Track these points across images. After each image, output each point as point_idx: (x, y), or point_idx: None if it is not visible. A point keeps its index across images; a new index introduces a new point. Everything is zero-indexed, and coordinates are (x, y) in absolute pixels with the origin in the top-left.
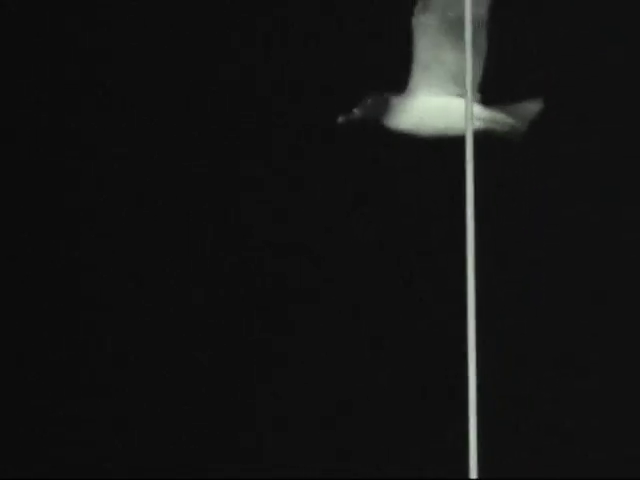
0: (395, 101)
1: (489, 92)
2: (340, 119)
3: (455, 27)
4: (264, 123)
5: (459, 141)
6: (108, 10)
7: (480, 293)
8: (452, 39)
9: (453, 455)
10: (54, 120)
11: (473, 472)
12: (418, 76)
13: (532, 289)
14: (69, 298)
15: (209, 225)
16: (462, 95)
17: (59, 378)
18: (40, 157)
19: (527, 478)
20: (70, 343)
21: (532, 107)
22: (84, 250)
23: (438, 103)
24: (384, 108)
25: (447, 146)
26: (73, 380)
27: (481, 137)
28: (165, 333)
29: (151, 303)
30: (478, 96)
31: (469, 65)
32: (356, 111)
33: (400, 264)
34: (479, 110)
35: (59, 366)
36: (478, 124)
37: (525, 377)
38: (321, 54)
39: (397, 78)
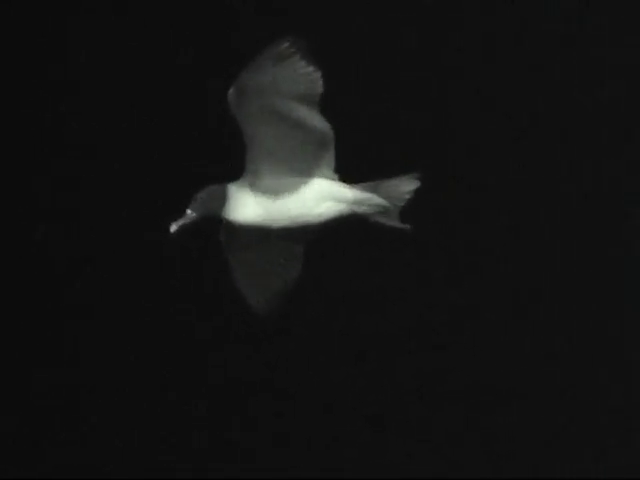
0: (233, 189)
1: (353, 171)
2: (172, 227)
3: (281, 110)
4: None
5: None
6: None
7: None
8: (281, 123)
9: None
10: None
11: None
12: (255, 162)
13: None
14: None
15: None
16: (314, 176)
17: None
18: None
19: None
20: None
21: (407, 185)
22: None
23: (290, 184)
24: (221, 200)
25: None
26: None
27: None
28: (163, 333)
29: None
30: (335, 176)
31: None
32: (189, 211)
33: None
34: (346, 191)
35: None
36: (343, 207)
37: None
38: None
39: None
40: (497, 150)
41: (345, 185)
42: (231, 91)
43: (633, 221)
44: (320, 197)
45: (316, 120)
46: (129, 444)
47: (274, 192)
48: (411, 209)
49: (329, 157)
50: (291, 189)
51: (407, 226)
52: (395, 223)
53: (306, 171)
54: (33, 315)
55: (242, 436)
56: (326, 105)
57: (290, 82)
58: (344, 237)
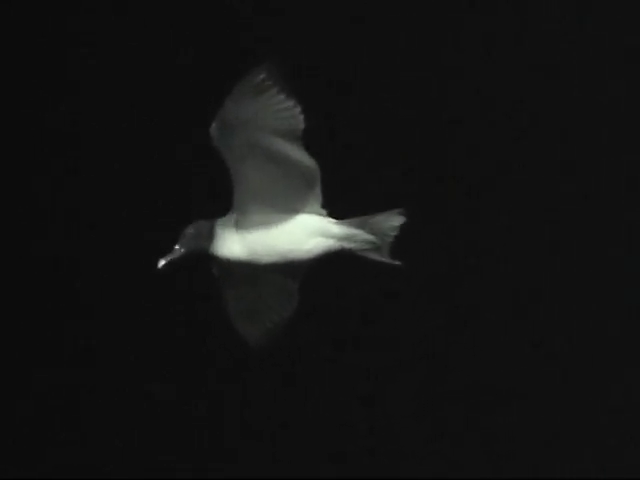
0: (220, 225)
1: (341, 207)
2: (160, 263)
3: (264, 144)
4: None
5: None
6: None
7: None
8: (264, 157)
9: None
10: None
11: None
12: (241, 197)
13: None
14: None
15: None
16: (303, 212)
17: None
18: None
19: None
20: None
21: (393, 221)
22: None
23: (277, 220)
24: (209, 235)
25: None
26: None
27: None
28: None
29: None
30: (324, 212)
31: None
32: (177, 247)
33: None
34: (333, 227)
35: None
36: (332, 243)
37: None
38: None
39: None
40: (486, 184)
41: (333, 221)
42: (213, 126)
43: (633, 221)
44: (308, 233)
45: (300, 155)
46: (128, 445)
47: (261, 229)
48: (401, 243)
49: (316, 193)
50: (278, 225)
51: (397, 262)
52: (385, 259)
53: (293, 207)
54: (30, 316)
55: (241, 437)
56: (312, 139)
57: (271, 117)
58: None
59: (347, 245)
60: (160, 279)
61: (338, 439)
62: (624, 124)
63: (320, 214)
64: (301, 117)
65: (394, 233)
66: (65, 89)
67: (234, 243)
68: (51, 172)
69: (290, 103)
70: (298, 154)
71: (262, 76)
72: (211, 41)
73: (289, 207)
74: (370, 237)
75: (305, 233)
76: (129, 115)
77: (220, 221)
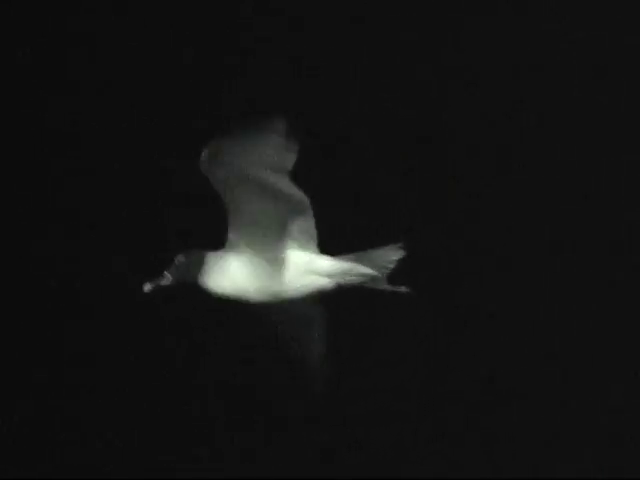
0: (212, 258)
1: (333, 243)
2: (147, 287)
3: (253, 177)
4: None
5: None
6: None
7: None
8: (254, 190)
9: None
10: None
11: None
12: (233, 231)
13: None
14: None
15: None
16: (296, 249)
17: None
18: None
19: None
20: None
21: (391, 254)
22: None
23: (269, 258)
24: (200, 267)
25: None
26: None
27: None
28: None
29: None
30: (316, 249)
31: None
32: (167, 273)
33: None
34: (326, 263)
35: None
36: (326, 281)
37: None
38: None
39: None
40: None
41: (327, 257)
42: (202, 156)
43: (633, 221)
44: (300, 271)
45: (290, 189)
46: (128, 446)
47: (252, 266)
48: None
49: (310, 229)
50: (270, 263)
51: (404, 288)
52: (391, 287)
53: (286, 243)
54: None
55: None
56: (305, 176)
57: (262, 153)
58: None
59: (343, 281)
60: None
61: (338, 439)
62: (624, 124)
63: (314, 251)
64: (293, 155)
65: (392, 266)
66: (64, 93)
67: (224, 279)
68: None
69: (284, 142)
70: (288, 188)
71: (259, 121)
72: (210, 42)
73: (282, 244)
74: (367, 270)
75: (297, 271)
76: (128, 134)
77: (212, 254)
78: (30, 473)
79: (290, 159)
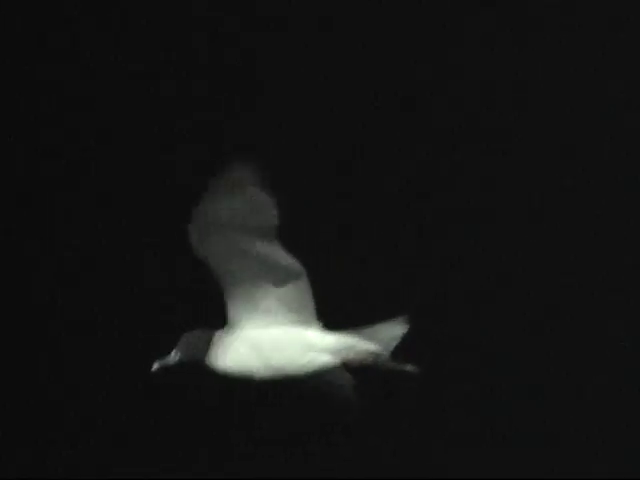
0: (216, 337)
1: (335, 316)
2: (155, 366)
3: (244, 246)
4: None
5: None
6: None
7: None
8: (249, 262)
9: None
10: None
11: None
12: (234, 310)
13: None
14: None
15: None
16: (297, 324)
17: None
18: None
19: None
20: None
21: (396, 329)
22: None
23: (271, 335)
24: (205, 346)
25: None
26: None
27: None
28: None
29: None
30: (319, 324)
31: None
32: (174, 353)
33: None
34: (329, 339)
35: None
36: (329, 357)
37: None
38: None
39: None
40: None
41: (329, 332)
42: (191, 229)
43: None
44: (303, 348)
45: (281, 256)
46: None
47: (255, 344)
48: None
49: (308, 302)
50: (272, 340)
51: (413, 367)
52: (397, 366)
53: (286, 318)
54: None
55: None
56: (304, 247)
57: (246, 212)
58: None
59: (347, 357)
60: None
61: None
62: (623, 125)
63: (315, 326)
64: (275, 212)
65: (397, 342)
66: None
67: (228, 357)
68: None
69: (265, 196)
70: (280, 256)
71: (239, 173)
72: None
73: (282, 319)
74: (371, 347)
75: (300, 348)
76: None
77: (217, 332)
78: (30, 473)
79: (273, 218)
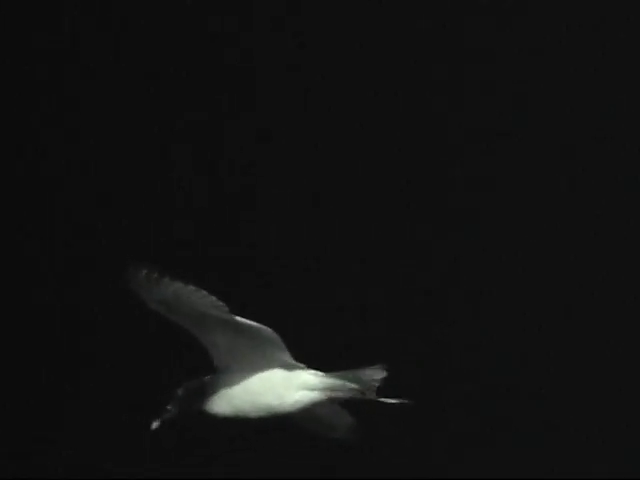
0: (208, 384)
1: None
2: (154, 424)
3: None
4: None
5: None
6: None
7: None
8: (213, 327)
9: None
10: None
11: None
12: (218, 359)
13: None
14: None
15: None
16: (280, 365)
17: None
18: None
19: None
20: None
21: (375, 374)
22: None
23: (259, 377)
24: (199, 395)
25: None
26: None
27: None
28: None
29: None
30: (302, 365)
31: None
32: (170, 407)
33: None
34: (313, 379)
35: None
36: (316, 394)
37: None
38: None
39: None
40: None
41: (314, 372)
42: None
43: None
44: (291, 387)
45: (247, 325)
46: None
47: (244, 387)
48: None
49: (285, 356)
50: (260, 383)
51: (405, 401)
52: (385, 399)
53: (271, 362)
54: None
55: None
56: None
57: (186, 300)
58: None
59: (333, 395)
60: None
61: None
62: (623, 124)
63: (299, 367)
64: (210, 298)
65: (378, 384)
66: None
67: (221, 402)
68: None
69: (191, 287)
70: (244, 324)
71: (144, 272)
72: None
73: (266, 363)
74: (354, 386)
75: (288, 388)
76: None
77: (208, 380)
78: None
79: (215, 303)
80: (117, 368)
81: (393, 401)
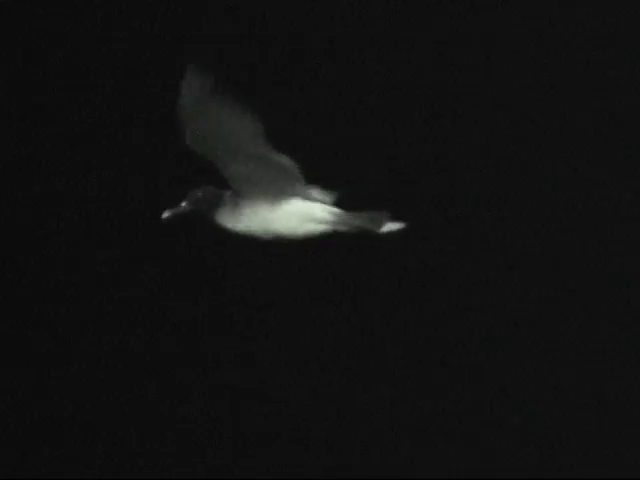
0: (227, 200)
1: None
2: (165, 214)
3: (237, 149)
4: None
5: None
6: None
7: None
8: (241, 158)
9: None
10: None
11: None
12: (233, 183)
13: None
14: None
15: None
16: (297, 196)
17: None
18: None
19: None
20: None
21: (382, 216)
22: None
23: (272, 208)
24: (216, 203)
25: None
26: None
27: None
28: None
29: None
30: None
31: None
32: (184, 204)
33: None
34: (324, 214)
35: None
36: (325, 227)
37: None
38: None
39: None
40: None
41: (327, 208)
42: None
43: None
44: (302, 219)
45: (275, 156)
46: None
47: (259, 212)
48: None
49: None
50: (274, 211)
51: (402, 225)
52: (388, 227)
53: (285, 194)
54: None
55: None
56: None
57: (229, 122)
58: None
59: (340, 229)
60: None
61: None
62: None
63: (314, 199)
64: (255, 118)
65: (384, 225)
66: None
67: (233, 218)
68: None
69: (239, 107)
70: (272, 156)
71: (200, 79)
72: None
73: (281, 195)
74: (364, 224)
75: (300, 219)
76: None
77: (228, 195)
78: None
79: (257, 124)
80: None
81: (395, 227)
